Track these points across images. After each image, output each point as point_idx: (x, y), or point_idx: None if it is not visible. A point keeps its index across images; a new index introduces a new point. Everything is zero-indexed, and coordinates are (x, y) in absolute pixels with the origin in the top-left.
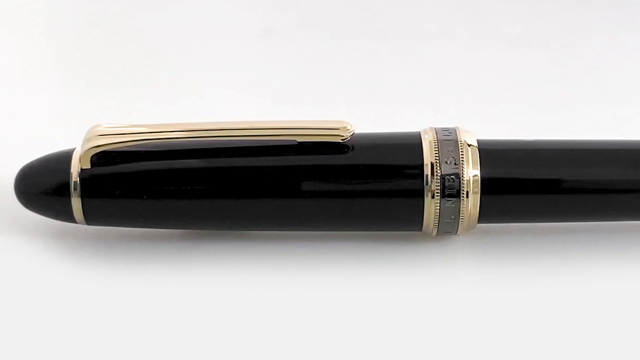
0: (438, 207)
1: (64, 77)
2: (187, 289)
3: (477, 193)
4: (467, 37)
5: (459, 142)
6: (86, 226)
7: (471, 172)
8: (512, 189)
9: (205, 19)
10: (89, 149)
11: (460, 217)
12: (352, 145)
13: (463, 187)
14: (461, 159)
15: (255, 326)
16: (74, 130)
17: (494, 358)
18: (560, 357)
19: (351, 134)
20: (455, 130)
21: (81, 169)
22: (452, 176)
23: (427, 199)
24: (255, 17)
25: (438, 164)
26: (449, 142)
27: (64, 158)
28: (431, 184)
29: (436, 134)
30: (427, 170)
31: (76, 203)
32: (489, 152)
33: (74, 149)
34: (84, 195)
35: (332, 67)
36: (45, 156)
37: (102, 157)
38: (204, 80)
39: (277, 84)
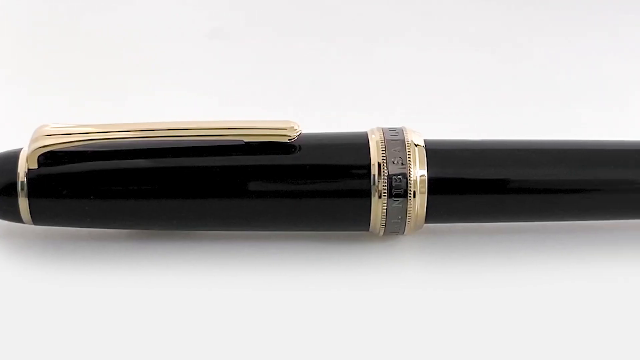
0: (385, 207)
1: (11, 77)
2: (134, 289)
3: (424, 193)
4: (415, 37)
5: (406, 142)
6: (33, 226)
7: (418, 172)
8: (459, 189)
9: (154, 19)
10: (36, 149)
11: (407, 217)
12: (299, 145)
13: (410, 187)
14: (408, 159)
15: (200, 326)
16: (21, 130)
17: (440, 357)
18: (506, 356)
19: (298, 134)
20: (403, 130)
21: (28, 169)
22: (399, 176)
23: (374, 199)
24: (203, 17)
25: (385, 164)
26: (396, 142)
27: (11, 158)
28: (378, 184)
29: (383, 134)
30: (374, 170)
31: (23, 203)
32: (436, 152)
33: (21, 148)
34: (31, 195)
35: (280, 67)
36: None
37: (49, 157)
38: (151, 80)
39: (225, 84)
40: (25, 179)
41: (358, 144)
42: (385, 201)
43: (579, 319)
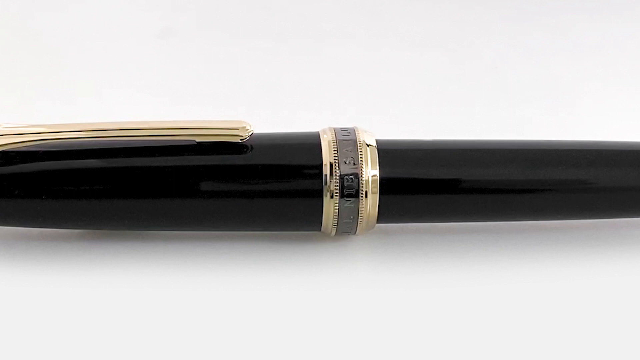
0: (337, 207)
1: None
2: (85, 289)
3: (375, 193)
4: (366, 36)
5: (358, 142)
6: None
7: (370, 172)
8: (411, 189)
9: (104, 19)
10: None
11: (359, 217)
12: (251, 145)
13: (362, 187)
14: (360, 159)
15: (152, 325)
16: None
17: (392, 357)
18: (457, 355)
19: (250, 134)
20: (354, 130)
21: None
22: (351, 176)
23: (326, 199)
24: (153, 16)
25: (337, 164)
26: (347, 142)
27: None
28: (330, 184)
29: (335, 134)
30: (326, 170)
31: None
32: (387, 152)
33: None
34: None
35: (231, 67)
36: None
37: (1, 157)
38: (103, 80)
39: (176, 84)
40: None
41: (310, 144)
42: (337, 201)
43: (529, 318)
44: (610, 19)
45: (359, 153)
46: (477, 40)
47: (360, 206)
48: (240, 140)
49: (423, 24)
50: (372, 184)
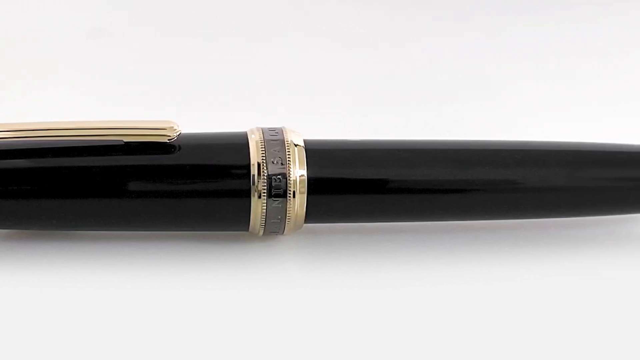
0: (265, 207)
1: None
2: (12, 288)
3: (303, 193)
4: (295, 37)
5: (286, 142)
6: None
7: (298, 172)
8: (339, 189)
9: (33, 18)
10: None
11: (287, 217)
12: (179, 145)
13: (290, 187)
14: (288, 159)
15: (81, 325)
16: None
17: (320, 357)
18: (384, 354)
19: (178, 134)
20: (282, 130)
21: None
22: (278, 176)
23: (254, 199)
24: (83, 16)
25: (265, 164)
26: (275, 142)
27: None
28: (258, 184)
29: (263, 134)
30: (254, 170)
31: None
32: (315, 152)
33: None
34: None
35: (160, 66)
36: None
37: None
38: (30, 80)
39: (105, 84)
40: None
41: (238, 144)
42: (265, 201)
43: (456, 318)
44: (539, 20)
45: (287, 153)
46: (406, 40)
47: (287, 206)
48: (168, 140)
49: (353, 23)
50: (299, 184)
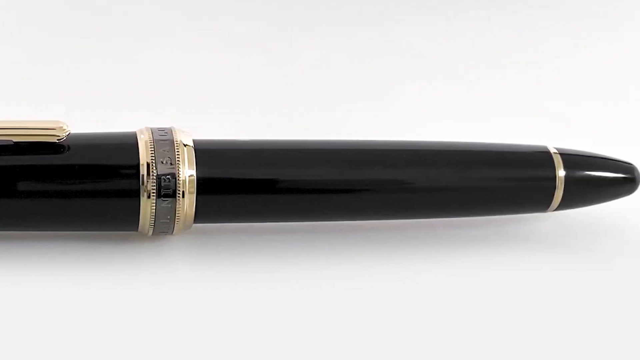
0: (154, 207)
1: None
2: None
3: (192, 193)
4: (184, 36)
5: (175, 142)
6: None
7: (187, 172)
8: (228, 189)
9: None
10: None
11: (176, 217)
12: (68, 145)
13: (179, 187)
14: (177, 159)
15: None
16: None
17: (214, 356)
18: (276, 353)
19: (67, 134)
20: (172, 131)
21: None
22: (168, 176)
23: (143, 199)
24: None
25: (154, 164)
26: (165, 142)
27: None
28: (147, 184)
29: (152, 134)
30: (143, 170)
31: None
32: (205, 152)
33: None
34: None
35: (49, 66)
36: None
37: None
38: None
39: None
40: None
41: (127, 144)
42: (154, 201)
43: (347, 319)
44: (429, 21)
45: (176, 153)
46: (295, 40)
47: (177, 206)
48: (57, 140)
49: (242, 23)
50: (189, 184)
